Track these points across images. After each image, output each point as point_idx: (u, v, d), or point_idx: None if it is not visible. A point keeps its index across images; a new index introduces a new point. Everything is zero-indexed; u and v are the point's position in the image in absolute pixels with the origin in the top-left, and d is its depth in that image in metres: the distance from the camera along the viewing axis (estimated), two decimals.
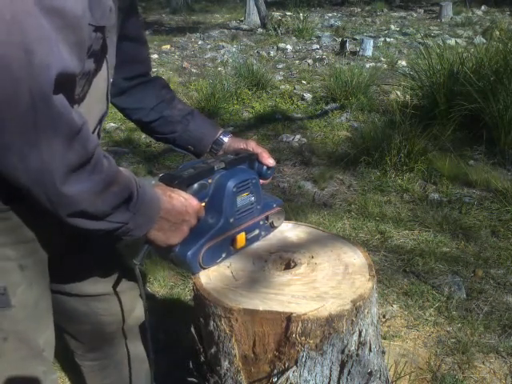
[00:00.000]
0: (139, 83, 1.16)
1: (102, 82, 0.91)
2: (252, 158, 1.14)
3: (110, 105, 1.05)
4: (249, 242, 1.11)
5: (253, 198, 1.08)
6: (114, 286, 1.14)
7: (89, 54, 0.79)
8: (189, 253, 0.98)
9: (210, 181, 1.02)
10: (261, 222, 1.13)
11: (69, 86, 0.73)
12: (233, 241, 1.06)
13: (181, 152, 1.23)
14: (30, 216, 0.84)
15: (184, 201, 0.91)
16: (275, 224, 1.17)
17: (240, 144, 1.18)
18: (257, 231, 1.13)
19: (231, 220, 1.03)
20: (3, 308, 0.86)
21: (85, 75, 0.82)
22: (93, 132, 0.94)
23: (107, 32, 0.83)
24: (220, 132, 1.21)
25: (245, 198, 1.06)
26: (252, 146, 1.16)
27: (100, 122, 0.96)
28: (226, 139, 1.20)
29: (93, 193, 0.74)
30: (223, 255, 1.06)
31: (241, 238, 1.08)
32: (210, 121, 1.25)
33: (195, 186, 1.00)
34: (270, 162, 1.15)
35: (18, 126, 0.65)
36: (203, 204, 1.00)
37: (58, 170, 0.69)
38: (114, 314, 1.16)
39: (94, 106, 0.91)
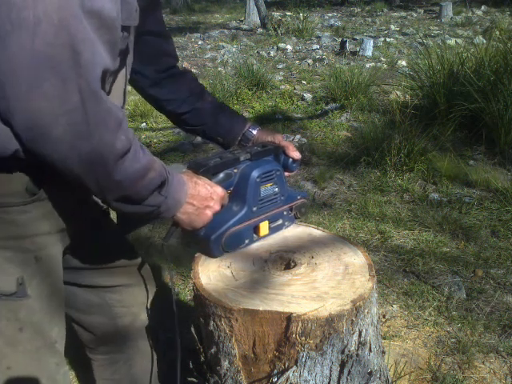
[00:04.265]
0: (171, 75, 1.21)
1: (121, 78, 0.95)
2: (278, 151, 1.18)
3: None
4: (272, 230, 1.16)
5: (276, 189, 1.12)
6: (127, 279, 1.16)
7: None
8: (212, 236, 1.02)
9: (235, 170, 1.07)
10: (284, 213, 1.17)
11: (104, 82, 0.78)
12: (256, 228, 1.11)
13: (210, 143, 1.26)
14: (49, 209, 0.88)
15: (209, 188, 0.97)
16: (299, 215, 1.21)
17: (267, 137, 1.22)
18: (280, 221, 1.17)
19: (254, 208, 1.08)
20: (21, 297, 0.89)
21: (113, 73, 0.86)
22: None
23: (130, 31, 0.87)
24: (249, 125, 1.25)
25: (268, 189, 1.10)
26: (279, 139, 1.20)
27: None
28: (254, 132, 1.24)
29: (135, 179, 0.80)
30: (246, 241, 1.11)
31: (264, 226, 1.12)
32: (238, 114, 1.29)
33: (221, 175, 1.05)
34: (295, 154, 1.19)
35: (69, 120, 0.70)
36: (228, 192, 1.05)
37: (109, 159, 0.75)
38: (126, 305, 1.18)
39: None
